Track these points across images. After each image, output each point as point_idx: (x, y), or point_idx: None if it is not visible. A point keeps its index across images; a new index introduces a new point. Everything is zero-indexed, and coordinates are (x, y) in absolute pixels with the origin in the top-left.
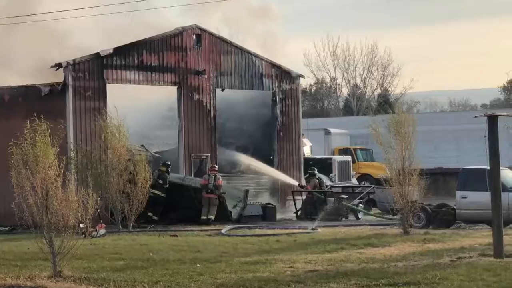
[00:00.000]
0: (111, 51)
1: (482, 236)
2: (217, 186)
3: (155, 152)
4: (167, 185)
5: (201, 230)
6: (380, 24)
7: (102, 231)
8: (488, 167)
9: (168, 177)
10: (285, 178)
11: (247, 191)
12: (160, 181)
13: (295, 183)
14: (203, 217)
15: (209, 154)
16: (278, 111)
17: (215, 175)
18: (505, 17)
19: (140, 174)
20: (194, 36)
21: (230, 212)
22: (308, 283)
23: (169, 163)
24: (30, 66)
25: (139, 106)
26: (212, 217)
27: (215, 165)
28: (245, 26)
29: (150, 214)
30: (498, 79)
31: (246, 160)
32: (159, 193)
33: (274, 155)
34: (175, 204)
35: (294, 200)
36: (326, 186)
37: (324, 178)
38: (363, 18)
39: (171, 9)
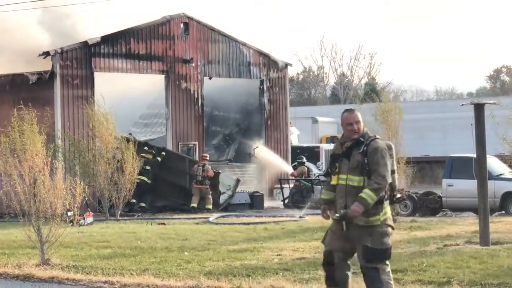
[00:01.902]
0: (98, 39)
1: (468, 223)
2: (205, 177)
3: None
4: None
5: (189, 218)
6: (368, 13)
7: (89, 219)
8: (474, 155)
9: (158, 159)
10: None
11: (238, 180)
12: (148, 167)
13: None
14: (193, 205)
15: (196, 142)
16: (266, 100)
17: (204, 166)
18: (492, 7)
19: (128, 163)
20: (181, 25)
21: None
22: (295, 271)
23: (154, 152)
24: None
25: (127, 94)
26: (210, 207)
27: (205, 154)
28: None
29: (142, 204)
30: (484, 67)
31: (264, 152)
32: (145, 179)
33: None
34: (166, 183)
35: (282, 188)
36: (314, 174)
37: (312, 167)
38: (350, 6)
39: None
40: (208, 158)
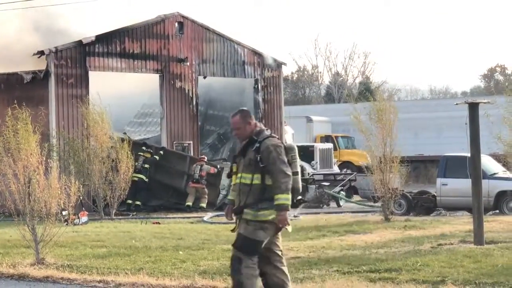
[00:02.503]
0: (93, 38)
1: (462, 223)
2: (201, 177)
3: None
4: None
5: (183, 218)
6: (362, 13)
7: (84, 218)
8: (468, 154)
9: (156, 158)
10: None
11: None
12: (146, 165)
13: None
14: (188, 204)
15: (191, 142)
16: (260, 99)
17: (201, 166)
18: (487, 6)
19: (123, 162)
20: (176, 24)
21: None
22: (290, 270)
23: (151, 150)
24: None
25: (121, 93)
26: (204, 205)
27: (203, 156)
28: None
29: (138, 203)
30: (478, 67)
31: None
32: (143, 177)
33: None
34: (161, 182)
35: None
36: (308, 173)
37: (306, 166)
38: (345, 5)
39: None
40: (206, 160)
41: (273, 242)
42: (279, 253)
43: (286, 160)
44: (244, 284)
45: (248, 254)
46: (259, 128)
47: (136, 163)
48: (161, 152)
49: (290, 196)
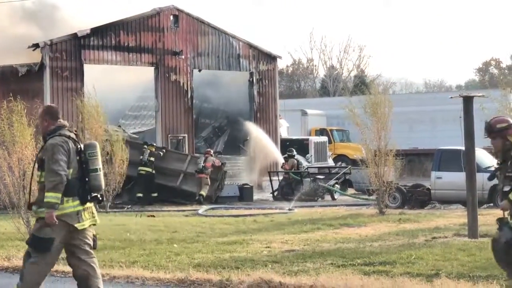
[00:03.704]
0: (88, 31)
1: (456, 216)
2: (205, 167)
3: (132, 133)
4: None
5: (178, 211)
6: (357, 6)
7: None
8: (463, 148)
9: (160, 153)
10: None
11: (224, 172)
12: (152, 158)
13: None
14: (201, 193)
15: (186, 135)
16: (255, 92)
17: (206, 158)
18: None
19: (117, 155)
20: (171, 17)
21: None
22: (284, 263)
23: (154, 143)
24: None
25: (116, 86)
26: (203, 194)
27: (209, 149)
28: None
29: (155, 194)
30: (473, 60)
31: (254, 130)
32: (150, 170)
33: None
34: (158, 181)
35: (271, 180)
36: (303, 166)
37: (301, 159)
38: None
39: None
40: (211, 153)
41: (77, 237)
42: (86, 247)
43: (60, 159)
44: (24, 277)
45: (37, 251)
46: (53, 127)
47: (142, 157)
48: (163, 150)
49: (58, 194)
